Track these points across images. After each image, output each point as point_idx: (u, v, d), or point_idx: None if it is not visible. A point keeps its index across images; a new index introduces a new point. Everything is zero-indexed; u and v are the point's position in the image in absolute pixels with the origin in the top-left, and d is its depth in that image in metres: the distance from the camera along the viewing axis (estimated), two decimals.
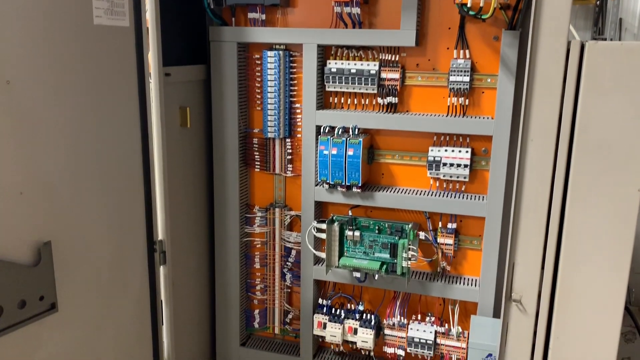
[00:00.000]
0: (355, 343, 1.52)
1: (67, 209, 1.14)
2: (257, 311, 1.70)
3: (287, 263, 1.63)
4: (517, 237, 1.16)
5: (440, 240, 1.47)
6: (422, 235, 1.44)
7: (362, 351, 1.58)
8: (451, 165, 1.39)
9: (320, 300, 1.58)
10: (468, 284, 1.46)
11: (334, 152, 1.42)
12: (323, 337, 1.56)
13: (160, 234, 1.41)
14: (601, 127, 1.04)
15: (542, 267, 1.18)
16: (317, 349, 1.68)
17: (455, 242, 1.47)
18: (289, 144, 1.55)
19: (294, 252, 1.62)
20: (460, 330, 1.47)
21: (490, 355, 1.30)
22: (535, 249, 1.16)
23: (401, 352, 1.52)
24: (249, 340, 1.74)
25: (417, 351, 1.48)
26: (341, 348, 1.60)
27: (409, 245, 1.39)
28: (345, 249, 1.47)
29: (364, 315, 1.53)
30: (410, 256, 1.39)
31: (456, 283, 1.47)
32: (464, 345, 1.46)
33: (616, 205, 1.07)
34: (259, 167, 1.60)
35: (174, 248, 1.47)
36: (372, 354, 1.57)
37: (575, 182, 1.08)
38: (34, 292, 1.08)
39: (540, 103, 1.07)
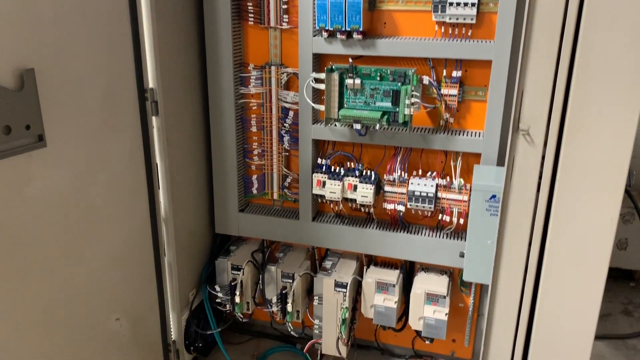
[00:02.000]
0: (355, 200, 1.50)
1: (52, 39, 1.07)
2: (255, 177, 1.67)
3: (285, 125, 1.58)
4: (527, 62, 1.10)
5: (444, 91, 1.41)
6: (425, 79, 1.38)
7: (362, 209, 1.57)
8: (457, 4, 1.30)
9: (319, 160, 1.55)
10: (471, 136, 1.42)
11: None
12: (322, 197, 1.54)
13: (150, 81, 1.34)
14: None
15: (552, 96, 1.13)
16: (316, 212, 1.66)
17: (460, 92, 1.41)
18: None
19: (291, 113, 1.56)
20: (462, 182, 1.44)
21: (494, 196, 1.28)
22: (545, 75, 1.10)
23: (401, 208, 1.50)
24: (247, 207, 1.72)
25: (417, 205, 1.46)
26: (340, 207, 1.58)
27: (412, 91, 1.34)
28: (345, 100, 1.41)
29: (364, 172, 1.50)
30: (413, 102, 1.34)
31: (459, 135, 1.43)
32: (465, 198, 1.44)
33: None
34: (252, 19, 1.50)
35: (167, 101, 1.40)
36: (372, 211, 1.55)
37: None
38: (18, 118, 1.02)
39: None
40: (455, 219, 1.46)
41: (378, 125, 1.36)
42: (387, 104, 1.37)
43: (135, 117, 1.34)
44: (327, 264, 1.64)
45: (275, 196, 1.68)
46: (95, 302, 1.30)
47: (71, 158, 1.18)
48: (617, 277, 2.56)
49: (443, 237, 1.52)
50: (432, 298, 1.50)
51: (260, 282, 1.66)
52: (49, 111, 1.08)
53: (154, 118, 1.38)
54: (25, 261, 1.10)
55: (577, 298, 1.23)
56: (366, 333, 1.76)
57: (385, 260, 1.67)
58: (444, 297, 1.49)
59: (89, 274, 1.27)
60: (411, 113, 1.35)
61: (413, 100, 1.34)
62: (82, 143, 1.20)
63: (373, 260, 1.67)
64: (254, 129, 1.62)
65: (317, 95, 1.52)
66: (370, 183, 1.47)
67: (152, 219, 1.44)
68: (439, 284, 1.53)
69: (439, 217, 1.49)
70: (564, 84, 1.09)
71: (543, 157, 1.17)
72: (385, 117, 1.37)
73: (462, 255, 1.40)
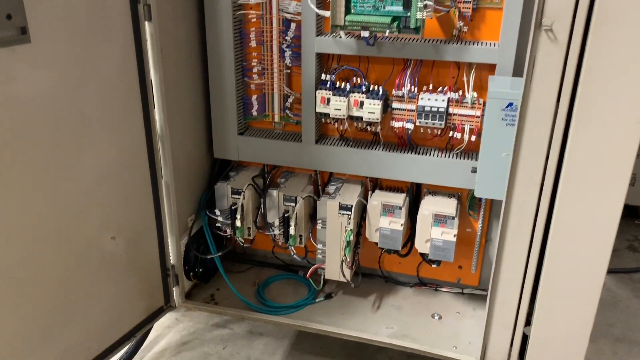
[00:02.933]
0: (361, 118, 1.42)
1: None
2: (254, 97, 1.58)
3: (286, 39, 1.48)
4: None
5: None
6: None
7: (368, 128, 1.50)
8: None
9: (323, 76, 1.46)
10: (486, 45, 1.34)
11: None
12: (326, 116, 1.46)
13: None
14: None
15: None
16: (320, 135, 1.59)
17: None
18: None
19: (293, 26, 1.46)
20: (475, 96, 1.37)
21: (510, 104, 1.20)
22: None
23: (410, 126, 1.43)
24: (247, 130, 1.64)
25: (427, 122, 1.39)
26: (346, 126, 1.50)
27: None
28: (352, 4, 1.31)
29: (371, 88, 1.42)
30: (425, 5, 1.24)
31: (474, 45, 1.34)
32: (478, 114, 1.36)
33: None
34: None
35: (160, 7, 1.30)
36: (379, 130, 1.48)
37: None
38: None
39: None
40: (466, 136, 1.39)
41: (388, 31, 1.27)
42: (398, 8, 1.27)
43: (127, 22, 1.24)
44: (331, 188, 1.58)
45: (277, 118, 1.60)
46: (89, 218, 1.24)
47: (59, 59, 1.09)
48: (624, 214, 2.53)
49: (453, 157, 1.45)
50: (440, 219, 1.45)
51: (261, 206, 1.61)
52: (32, 2, 0.99)
53: (146, 24, 1.28)
54: (10, 167, 1.03)
55: (596, 216, 1.17)
56: (370, 261, 1.72)
57: (391, 184, 1.61)
58: (453, 217, 1.44)
59: (81, 186, 1.20)
60: (424, 17, 1.26)
61: (426, 2, 1.24)
62: (70, 44, 1.11)
63: (378, 185, 1.61)
64: (253, 44, 1.52)
65: (322, 2, 1.42)
66: (378, 99, 1.39)
67: (147, 135, 1.37)
68: (448, 206, 1.47)
69: (450, 135, 1.42)
70: None
71: (567, 55, 1.09)
72: (396, 22, 1.27)
73: (474, 170, 1.33)
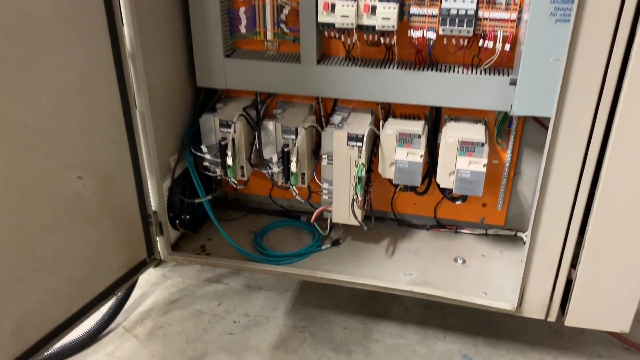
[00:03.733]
0: (373, 28, 1.19)
1: None
2: (242, 10, 1.33)
3: None
4: None
5: None
6: None
7: (381, 40, 1.26)
8: None
9: None
10: None
11: None
12: (330, 27, 1.22)
13: None
14: None
15: None
16: (322, 56, 1.35)
17: None
18: None
19: None
20: None
21: None
22: None
23: (431, 35, 1.20)
24: (235, 53, 1.40)
25: (452, 30, 1.15)
26: (354, 40, 1.26)
27: None
28: None
29: None
30: None
31: None
32: (514, 17, 1.13)
33: None
34: None
35: None
36: (394, 41, 1.24)
37: None
38: None
39: None
40: (499, 45, 1.17)
41: None
42: None
43: None
44: (336, 119, 1.35)
45: (269, 36, 1.36)
46: (46, 152, 1.01)
47: None
48: None
49: (481, 74, 1.23)
50: (466, 147, 1.24)
51: (256, 141, 1.38)
52: None
53: None
54: None
55: None
56: (380, 202, 1.51)
57: (406, 112, 1.38)
58: (482, 144, 1.23)
59: (32, 111, 0.96)
60: None
61: None
62: None
63: (391, 113, 1.39)
64: None
65: None
66: (394, 0, 1.15)
67: (114, 52, 1.12)
68: (475, 131, 1.26)
69: (479, 45, 1.19)
70: None
71: None
72: None
73: (513, 82, 1.11)
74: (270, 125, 1.36)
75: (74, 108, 1.05)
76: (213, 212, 1.44)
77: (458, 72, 1.24)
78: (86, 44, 1.05)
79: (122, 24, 1.13)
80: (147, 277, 1.65)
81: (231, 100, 1.46)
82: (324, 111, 1.43)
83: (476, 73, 1.23)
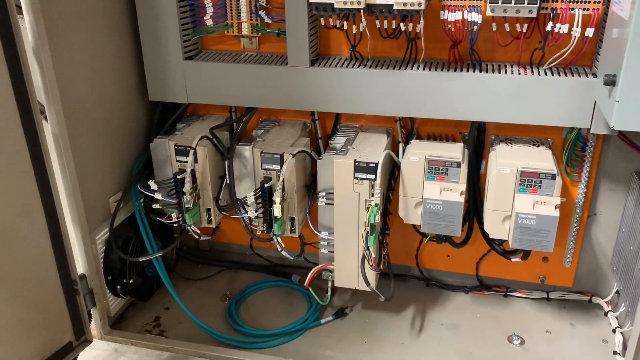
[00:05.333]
0: (391, 7, 0.81)
1: None
2: None
3: None
4: None
5: None
6: None
7: (402, 27, 0.89)
8: None
9: None
10: None
11: None
12: (328, 11, 0.84)
13: None
14: None
15: None
16: (317, 55, 0.98)
17: None
18: None
19: None
20: None
21: None
22: None
23: (475, 18, 0.81)
24: (200, 54, 1.03)
25: (506, 9, 0.78)
26: (362, 26, 0.89)
27: None
28: None
29: None
30: None
31: None
32: None
33: None
34: None
35: None
36: (419, 29, 0.87)
37: None
38: None
39: None
40: (577, 31, 0.79)
41: None
42: None
43: None
44: (338, 141, 0.98)
45: (245, 29, 0.99)
46: None
47: None
48: None
49: (547, 74, 0.85)
50: (529, 181, 0.85)
51: (226, 173, 1.00)
52: None
53: None
54: None
55: None
56: (401, 255, 1.12)
57: (435, 132, 1.01)
58: (553, 176, 0.84)
59: None
60: None
61: None
62: None
63: (414, 134, 1.01)
64: None
65: None
66: None
67: (7, 56, 0.76)
68: (540, 157, 0.88)
69: (547, 31, 0.82)
70: None
71: None
72: None
73: (610, 81, 0.72)
74: (246, 151, 0.98)
75: None
76: (173, 269, 1.05)
77: (513, 72, 0.87)
78: None
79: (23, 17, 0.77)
80: (94, 354, 1.25)
81: (197, 118, 1.09)
82: (322, 132, 1.05)
83: (539, 74, 0.86)
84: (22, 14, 0.80)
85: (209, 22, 0.99)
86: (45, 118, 0.85)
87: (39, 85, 0.82)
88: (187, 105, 1.07)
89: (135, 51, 1.03)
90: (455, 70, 0.89)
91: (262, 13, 0.96)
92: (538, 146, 0.94)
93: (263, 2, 0.95)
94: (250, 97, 1.00)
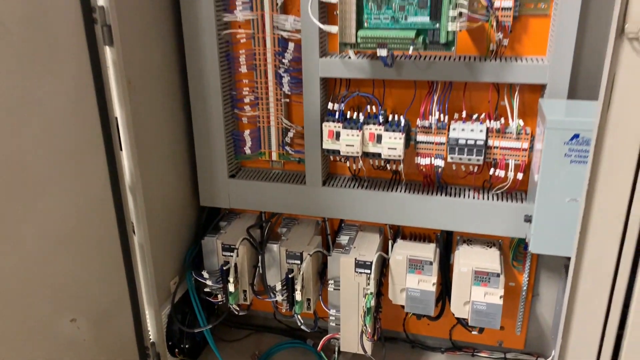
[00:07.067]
0: (379, 155, 1.16)
1: None
2: (247, 132, 1.32)
3: (283, 62, 1.22)
4: None
5: (495, 3, 1.06)
6: None
7: (387, 167, 1.23)
8: None
9: (330, 106, 1.20)
10: (532, 62, 1.08)
11: None
12: (336, 153, 1.19)
13: None
14: None
15: None
16: (327, 175, 1.32)
17: (516, 4, 1.06)
18: None
19: (291, 46, 1.20)
20: (522, 124, 1.10)
21: (576, 136, 0.93)
22: None
23: (439, 163, 1.16)
24: (239, 172, 1.37)
25: (461, 158, 1.12)
26: (360, 165, 1.24)
27: None
28: (366, 16, 1.04)
29: (390, 117, 1.16)
30: (459, 13, 0.98)
31: (516, 61, 1.08)
32: (525, 146, 1.10)
33: None
34: None
35: (124, 26, 1.04)
36: (400, 168, 1.21)
37: None
38: None
39: None
40: (511, 174, 1.13)
41: (412, 48, 1.00)
42: (424, 19, 1.01)
43: (80, 46, 0.97)
44: (343, 239, 1.31)
45: (274, 156, 1.34)
46: (37, 297, 0.95)
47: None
48: None
49: (493, 199, 1.18)
50: (481, 277, 1.17)
51: (259, 265, 1.33)
52: None
53: (107, 49, 1.01)
54: None
55: None
56: (391, 322, 1.43)
57: (415, 231, 1.33)
58: (498, 275, 1.16)
59: (24, 259, 0.92)
60: (457, 29, 1.00)
61: (459, 10, 0.98)
62: (2, 78, 0.84)
63: (400, 233, 1.34)
64: (243, 69, 1.26)
65: (325, 15, 1.16)
66: (400, 131, 1.12)
67: (113, 187, 1.09)
68: (490, 259, 1.20)
69: (490, 173, 1.15)
70: None
71: None
72: (421, 37, 1.01)
73: (528, 219, 1.06)
74: (274, 247, 1.31)
75: (67, 249, 1.01)
76: (214, 333, 1.36)
77: (469, 196, 1.20)
78: (82, 182, 1.02)
79: (122, 157, 1.11)
80: None
81: (235, 217, 1.42)
82: (330, 229, 1.38)
83: (488, 198, 1.19)
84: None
85: (248, 152, 1.34)
86: (133, 230, 1.18)
87: (132, 213, 1.16)
88: (229, 208, 1.41)
89: (191, 169, 1.37)
90: (427, 194, 1.22)
91: (287, 148, 1.30)
92: (491, 247, 1.26)
93: (288, 140, 1.30)
94: (277, 205, 1.33)
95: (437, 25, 1.01)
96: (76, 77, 0.98)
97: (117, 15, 1.00)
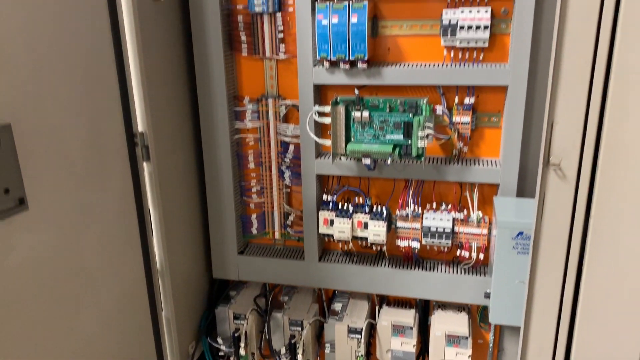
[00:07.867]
0: (366, 239, 1.40)
1: (29, 88, 0.95)
2: (254, 216, 1.55)
3: (285, 160, 1.47)
4: (557, 93, 1.02)
5: (455, 119, 1.32)
6: (438, 109, 1.29)
7: (373, 247, 1.47)
8: (469, 28, 1.22)
9: (324, 197, 1.44)
10: (488, 165, 1.34)
11: (335, 20, 1.23)
12: (330, 237, 1.43)
13: (140, 125, 1.22)
14: None
15: (585, 127, 1.05)
16: (322, 251, 1.56)
17: (473, 119, 1.33)
18: (280, 19, 1.34)
19: (291, 148, 1.46)
20: (481, 215, 1.35)
21: (520, 233, 1.19)
22: (577, 104, 1.03)
23: (416, 245, 1.40)
24: (247, 249, 1.60)
25: (433, 242, 1.36)
26: (350, 246, 1.47)
27: (425, 122, 1.24)
28: (353, 133, 1.30)
29: (374, 208, 1.40)
30: (427, 134, 1.24)
31: (474, 165, 1.34)
32: (484, 232, 1.35)
33: None
34: (246, 50, 1.40)
35: (157, 143, 1.28)
36: (384, 249, 1.45)
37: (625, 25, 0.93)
38: None
39: None
40: (474, 254, 1.37)
41: (390, 159, 1.26)
42: (399, 137, 1.27)
43: (125, 164, 1.21)
44: (337, 306, 1.53)
45: (277, 235, 1.57)
46: None
47: (56, 217, 1.05)
48: None
49: (461, 273, 1.42)
50: (453, 340, 1.40)
51: (265, 330, 1.54)
52: (29, 170, 0.95)
53: (144, 164, 1.25)
54: (10, 340, 0.96)
55: (617, 342, 1.15)
56: None
57: (398, 299, 1.56)
58: (466, 338, 1.39)
59: (80, 343, 1.13)
60: (424, 145, 1.26)
61: (427, 132, 1.24)
62: (67, 198, 1.07)
63: (385, 300, 1.57)
64: (251, 165, 1.51)
65: (319, 129, 1.42)
66: (382, 220, 1.37)
67: (146, 271, 1.32)
68: (459, 323, 1.43)
69: (457, 253, 1.40)
70: (597, 113, 1.01)
71: (576, 192, 1.09)
72: (397, 150, 1.27)
73: (487, 295, 1.30)
74: (278, 316, 1.53)
75: (112, 329, 1.22)
76: None
77: (441, 270, 1.44)
78: (124, 273, 1.24)
79: (154, 248, 1.33)
80: None
81: (243, 286, 1.64)
82: (325, 296, 1.61)
83: (457, 272, 1.43)
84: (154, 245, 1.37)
85: (254, 232, 1.57)
86: (162, 307, 1.40)
87: (160, 294, 1.37)
88: (238, 279, 1.63)
89: (205, 246, 1.59)
90: (407, 268, 1.46)
91: (288, 229, 1.54)
92: (461, 311, 1.49)
93: (289, 222, 1.54)
94: (279, 278, 1.55)
95: (410, 142, 1.27)
96: (122, 187, 1.21)
97: (153, 137, 1.25)
